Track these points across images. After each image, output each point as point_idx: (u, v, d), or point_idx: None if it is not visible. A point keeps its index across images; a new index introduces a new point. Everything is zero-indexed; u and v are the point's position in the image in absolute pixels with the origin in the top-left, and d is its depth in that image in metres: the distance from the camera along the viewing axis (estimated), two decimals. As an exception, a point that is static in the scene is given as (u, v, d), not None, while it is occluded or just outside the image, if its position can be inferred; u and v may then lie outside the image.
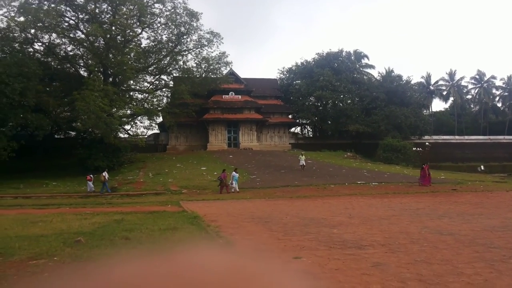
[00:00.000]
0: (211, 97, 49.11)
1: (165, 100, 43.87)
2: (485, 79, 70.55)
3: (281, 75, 61.55)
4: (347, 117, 50.78)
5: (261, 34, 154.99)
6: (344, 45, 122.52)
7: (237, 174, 24.58)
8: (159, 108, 40.67)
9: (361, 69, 61.92)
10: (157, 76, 43.70)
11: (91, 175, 25.26)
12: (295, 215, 13.62)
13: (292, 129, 58.20)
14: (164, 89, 44.45)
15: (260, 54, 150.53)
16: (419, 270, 6.49)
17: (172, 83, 44.06)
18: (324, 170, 33.38)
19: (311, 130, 62.88)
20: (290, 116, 54.67)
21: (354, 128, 49.89)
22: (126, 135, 40.93)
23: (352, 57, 60.58)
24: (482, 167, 47.00)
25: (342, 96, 54.15)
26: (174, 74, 43.99)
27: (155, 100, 41.22)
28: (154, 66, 42.25)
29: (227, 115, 48.87)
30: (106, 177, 24.76)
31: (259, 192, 23.56)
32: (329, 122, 53.39)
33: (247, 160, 38.63)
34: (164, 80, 44.54)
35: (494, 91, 72.95)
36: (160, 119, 44.28)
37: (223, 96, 49.60)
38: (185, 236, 9.39)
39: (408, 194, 21.57)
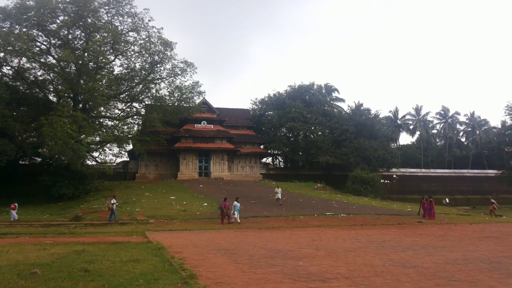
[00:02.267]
0: (183, 126, 49.00)
1: (136, 128, 43.52)
2: (450, 114, 73.57)
3: (254, 106, 62.39)
4: (317, 148, 51.48)
5: (235, 65, 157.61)
6: (315, 78, 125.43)
7: (239, 204, 23.97)
8: (129, 136, 40.20)
9: (331, 102, 63.53)
10: (129, 104, 43.40)
11: (15, 204, 24.48)
12: (262, 246, 13.51)
13: (264, 160, 58.42)
14: (135, 117, 44.11)
15: (234, 84, 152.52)
16: (380, 304, 6.51)
17: (144, 111, 43.79)
18: (294, 201, 33.44)
19: (282, 160, 63.36)
20: (261, 147, 54.97)
21: (324, 159, 50.54)
22: (94, 163, 40.09)
23: (323, 90, 62.19)
24: (447, 200, 48.20)
25: (313, 128, 55.13)
26: (146, 102, 43.81)
27: (125, 127, 40.83)
28: (126, 93, 42.01)
29: (198, 144, 48.70)
30: (114, 204, 24.01)
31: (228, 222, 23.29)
32: (300, 153, 53.93)
33: (218, 190, 38.34)
34: (136, 108, 44.28)
35: (458, 126, 76.02)
36: (130, 147, 43.68)
37: (195, 125, 49.58)
38: (147, 268, 9.14)
39: (375, 226, 21.80)
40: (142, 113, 43.63)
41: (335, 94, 64.48)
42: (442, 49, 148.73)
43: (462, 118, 74.79)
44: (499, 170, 54.79)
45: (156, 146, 44.67)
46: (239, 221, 23.13)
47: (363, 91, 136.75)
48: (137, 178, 47.57)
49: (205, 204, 30.63)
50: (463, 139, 78.50)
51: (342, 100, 64.98)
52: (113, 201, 24.27)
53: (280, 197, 31.57)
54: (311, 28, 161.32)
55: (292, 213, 27.04)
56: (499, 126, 68.73)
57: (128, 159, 50.49)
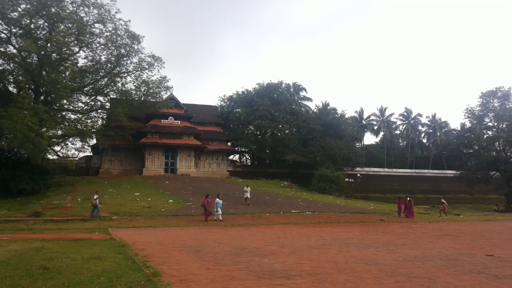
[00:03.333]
0: (150, 121, 48.24)
1: (100, 122, 42.40)
2: (412, 116, 75.78)
3: (222, 103, 62.17)
4: (284, 146, 51.86)
5: (205, 61, 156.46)
6: (284, 77, 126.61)
7: (221, 201, 23.50)
8: (93, 130, 39.09)
9: (299, 101, 64.10)
10: (93, 97, 42.22)
11: None
12: (228, 243, 13.50)
13: (231, 157, 58.34)
14: (99, 111, 42.98)
15: (203, 81, 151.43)
16: (342, 300, 6.63)
17: (109, 104, 42.77)
18: (260, 199, 33.53)
19: (249, 158, 63.46)
20: (229, 144, 54.85)
21: (291, 157, 50.97)
22: (55, 157, 38.80)
23: (291, 89, 62.64)
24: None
25: (280, 126, 55.48)
26: (112, 96, 42.75)
27: (89, 121, 39.71)
28: (91, 86, 40.86)
29: (165, 140, 48.06)
30: (97, 201, 23.48)
31: (194, 219, 23.14)
32: (267, 151, 54.18)
33: (184, 186, 38.00)
34: (100, 101, 43.14)
35: (420, 127, 78.46)
36: (93, 141, 42.54)
37: (162, 120, 48.93)
38: (110, 266, 8.94)
39: (339, 224, 22.21)
40: (107, 107, 42.60)
41: (302, 93, 65.20)
42: (406, 51, 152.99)
43: (424, 120, 77.35)
44: (457, 171, 56.77)
45: (121, 141, 43.78)
46: (221, 218, 22.72)
47: (330, 91, 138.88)
48: (100, 174, 46.49)
49: (171, 200, 30.28)
50: (424, 140, 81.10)
51: (309, 99, 65.80)
52: (95, 196, 23.72)
53: (249, 196, 30.99)
54: (282, 28, 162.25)
55: (258, 211, 27.13)
56: (459, 128, 71.27)
57: (91, 154, 49.24)
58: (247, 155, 62.96)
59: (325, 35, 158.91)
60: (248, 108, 55.33)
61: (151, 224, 20.49)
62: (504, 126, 51.87)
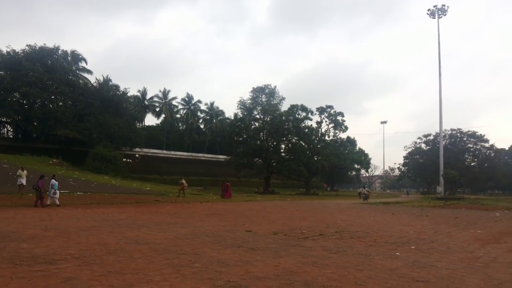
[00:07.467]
0: None
1: None
2: (193, 102, 79.85)
3: (-23, 62, 51.88)
4: (56, 120, 47.23)
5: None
6: (61, 43, 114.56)
7: (57, 182, 19.82)
8: None
9: (77, 72, 59.28)
10: None
11: None
12: (-24, 228, 11.47)
13: (-13, 127, 49.73)
14: None
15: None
16: (111, 282, 6.41)
17: None
18: (22, 177, 29.65)
19: (11, 130, 55.55)
20: (-15, 112, 46.56)
21: (63, 133, 46.90)
22: None
23: (69, 58, 57.38)
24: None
25: (53, 97, 50.32)
26: None
27: None
28: None
29: None
30: None
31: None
32: (35, 124, 48.38)
33: None
34: None
35: (199, 114, 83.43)
36: None
37: None
38: None
39: (113, 205, 21.64)
40: None
41: (82, 64, 60.45)
42: (192, 40, 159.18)
43: (203, 107, 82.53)
44: (228, 156, 62.71)
45: None
46: (58, 202, 19.51)
47: (112, 66, 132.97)
48: None
49: None
50: (202, 126, 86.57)
51: (89, 71, 61.45)
52: None
53: (24, 184, 25.24)
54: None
55: (18, 190, 23.98)
56: (232, 117, 78.78)
57: None
58: (8, 126, 54.75)
59: (116, 8, 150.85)
60: (14, 72, 47.85)
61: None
62: (268, 119, 59.83)
